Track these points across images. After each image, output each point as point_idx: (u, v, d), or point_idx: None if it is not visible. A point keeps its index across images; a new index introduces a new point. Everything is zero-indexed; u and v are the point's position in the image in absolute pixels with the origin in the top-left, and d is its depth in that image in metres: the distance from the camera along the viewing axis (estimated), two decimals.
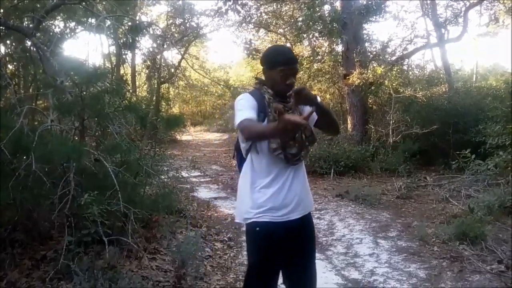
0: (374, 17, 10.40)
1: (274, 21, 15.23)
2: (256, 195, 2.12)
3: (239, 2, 14.12)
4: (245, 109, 2.05)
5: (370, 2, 10.21)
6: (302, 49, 13.81)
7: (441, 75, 13.01)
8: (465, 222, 4.83)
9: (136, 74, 19.93)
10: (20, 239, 3.81)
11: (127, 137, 4.42)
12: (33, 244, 3.86)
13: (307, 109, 2.07)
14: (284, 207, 2.12)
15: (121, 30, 6.99)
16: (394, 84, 10.63)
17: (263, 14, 15.27)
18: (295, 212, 2.16)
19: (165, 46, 14.83)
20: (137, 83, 19.87)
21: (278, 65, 2.10)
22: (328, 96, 13.92)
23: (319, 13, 10.52)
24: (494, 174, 6.93)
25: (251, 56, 15.03)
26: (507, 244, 4.58)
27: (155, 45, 14.53)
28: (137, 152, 4.29)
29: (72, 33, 7.67)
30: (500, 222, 5.32)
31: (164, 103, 18.09)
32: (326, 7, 11.75)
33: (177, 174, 6.42)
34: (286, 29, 14.78)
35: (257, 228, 2.12)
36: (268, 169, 2.13)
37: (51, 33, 7.04)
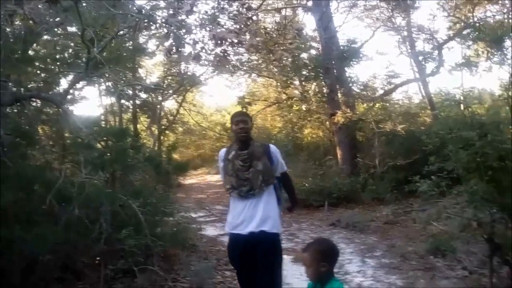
0: (353, 61, 11.48)
1: (265, 66, 16.32)
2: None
3: (233, 51, 15.16)
4: None
5: (346, 48, 11.30)
6: (291, 92, 14.84)
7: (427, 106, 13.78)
8: (439, 239, 5.61)
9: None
10: (58, 276, 4.51)
11: (145, 183, 5.24)
12: (71, 279, 4.57)
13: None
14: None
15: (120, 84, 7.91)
16: (375, 120, 11.51)
17: (254, 61, 16.37)
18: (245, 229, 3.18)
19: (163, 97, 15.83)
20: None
21: None
22: (320, 133, 14.88)
23: (302, 61, 11.58)
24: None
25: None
26: (475, 256, 5.33)
27: (154, 97, 15.53)
28: (155, 196, 5.10)
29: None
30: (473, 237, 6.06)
31: (168, 150, 18.84)
32: (312, 52, 12.91)
33: (186, 215, 7.19)
34: (276, 73, 15.83)
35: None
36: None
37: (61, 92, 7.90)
